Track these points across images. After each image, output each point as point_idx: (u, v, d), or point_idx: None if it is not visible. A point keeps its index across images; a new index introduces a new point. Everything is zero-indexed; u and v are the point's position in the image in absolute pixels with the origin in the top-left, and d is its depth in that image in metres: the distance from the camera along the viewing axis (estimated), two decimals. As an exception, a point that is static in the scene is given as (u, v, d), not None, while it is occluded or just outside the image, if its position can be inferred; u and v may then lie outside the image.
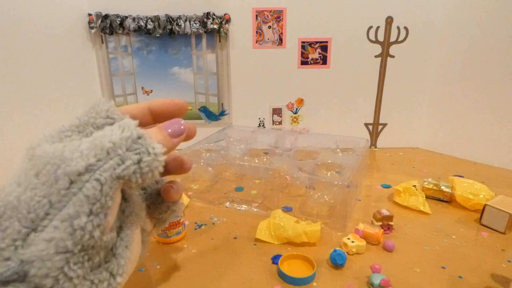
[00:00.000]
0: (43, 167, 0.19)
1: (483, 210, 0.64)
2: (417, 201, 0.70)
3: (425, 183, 0.76)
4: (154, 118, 0.26)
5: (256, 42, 1.08)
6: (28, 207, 0.18)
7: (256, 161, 0.86)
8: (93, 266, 0.19)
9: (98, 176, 0.19)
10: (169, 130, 0.23)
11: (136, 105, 0.26)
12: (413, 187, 0.73)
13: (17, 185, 0.19)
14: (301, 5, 1.05)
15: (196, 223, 0.65)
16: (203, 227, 0.64)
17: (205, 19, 1.04)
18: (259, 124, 1.17)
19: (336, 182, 0.66)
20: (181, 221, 0.59)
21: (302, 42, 1.08)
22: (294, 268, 0.50)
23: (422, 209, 0.68)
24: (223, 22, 1.05)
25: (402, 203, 0.71)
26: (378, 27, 1.06)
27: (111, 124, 0.23)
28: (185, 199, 0.72)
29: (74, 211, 0.18)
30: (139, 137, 0.20)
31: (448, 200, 0.74)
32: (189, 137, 0.24)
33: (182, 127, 0.24)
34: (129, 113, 0.24)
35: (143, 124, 0.25)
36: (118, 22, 1.03)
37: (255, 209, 0.71)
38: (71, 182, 0.18)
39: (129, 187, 0.20)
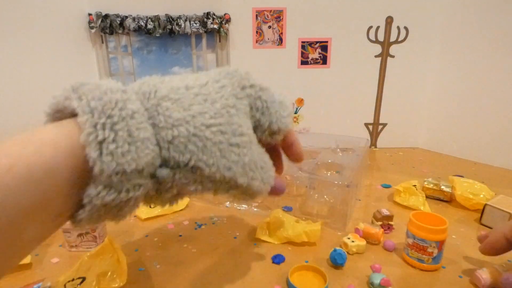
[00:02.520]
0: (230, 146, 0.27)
1: (483, 210, 0.64)
2: (417, 201, 0.70)
3: (425, 183, 0.76)
4: (287, 148, 0.37)
5: (256, 42, 1.08)
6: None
7: (256, 161, 0.85)
8: None
9: (228, 189, 0.29)
10: (276, 183, 0.33)
11: (294, 133, 0.37)
12: (413, 186, 0.73)
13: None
14: (301, 5, 1.05)
15: (196, 222, 0.65)
16: (203, 227, 0.64)
17: (205, 19, 1.04)
18: (259, 124, 1.17)
19: (336, 182, 0.66)
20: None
21: (302, 42, 1.08)
22: (304, 280, 0.48)
23: (422, 209, 0.68)
24: (223, 22, 1.05)
25: (402, 203, 0.71)
26: (378, 27, 1.06)
27: (273, 133, 0.33)
28: (185, 199, 0.72)
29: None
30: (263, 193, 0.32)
31: (448, 200, 0.74)
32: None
33: (281, 190, 0.35)
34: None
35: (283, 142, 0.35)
36: (118, 22, 1.03)
37: (255, 209, 0.71)
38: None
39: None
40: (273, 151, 0.37)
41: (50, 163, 0.19)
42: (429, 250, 0.49)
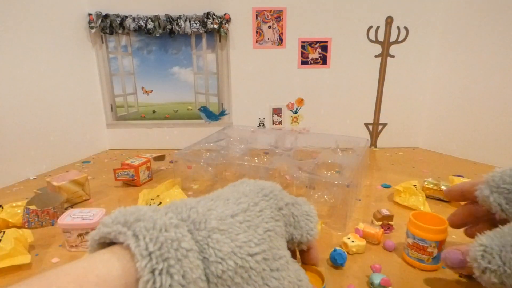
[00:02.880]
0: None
1: (483, 210, 0.64)
2: (417, 201, 0.70)
3: (425, 183, 0.76)
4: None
5: (256, 42, 1.08)
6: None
7: (256, 161, 0.86)
8: None
9: None
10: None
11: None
12: (413, 186, 0.73)
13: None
14: (301, 5, 1.05)
15: (196, 223, 0.65)
16: (203, 227, 0.64)
17: (205, 19, 1.04)
18: (259, 124, 1.17)
19: (336, 182, 0.66)
20: None
21: (302, 42, 1.08)
22: None
23: (422, 209, 0.68)
24: (223, 22, 1.05)
25: (402, 203, 0.71)
26: (378, 27, 1.06)
27: (301, 243, 0.37)
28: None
29: None
30: None
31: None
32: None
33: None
34: None
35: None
36: (118, 22, 1.03)
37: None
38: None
39: None
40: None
41: None
42: (429, 250, 0.49)
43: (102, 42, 1.08)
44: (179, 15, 1.04)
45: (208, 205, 0.28)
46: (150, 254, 0.21)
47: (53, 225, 0.63)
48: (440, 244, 0.49)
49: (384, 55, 1.09)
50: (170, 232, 0.23)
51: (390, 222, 0.61)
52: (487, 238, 0.37)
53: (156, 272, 0.21)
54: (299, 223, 0.34)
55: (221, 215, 0.27)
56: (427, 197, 0.74)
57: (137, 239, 0.22)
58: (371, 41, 1.08)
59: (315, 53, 1.09)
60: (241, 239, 0.26)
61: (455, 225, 0.50)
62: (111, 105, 1.15)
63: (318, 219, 0.38)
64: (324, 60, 1.10)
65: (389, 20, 1.06)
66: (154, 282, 0.21)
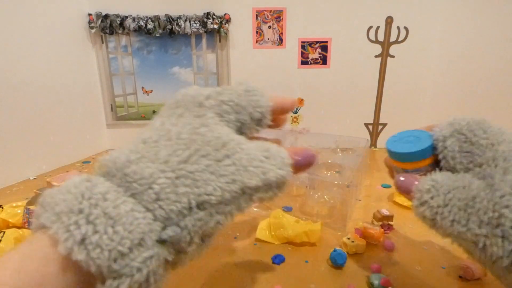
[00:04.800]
0: (222, 158, 0.24)
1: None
2: (417, 201, 0.70)
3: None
4: (280, 110, 0.34)
5: (256, 42, 1.08)
6: (205, 189, 0.23)
7: (256, 161, 0.85)
8: (201, 240, 0.26)
9: (253, 193, 0.25)
10: (299, 158, 0.29)
11: (275, 100, 0.33)
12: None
13: (193, 150, 0.24)
14: (301, 5, 1.05)
15: (196, 223, 0.65)
16: (203, 227, 0.64)
17: (205, 19, 1.04)
18: (259, 124, 1.17)
19: (336, 182, 0.66)
20: None
21: (302, 42, 1.08)
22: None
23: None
24: (223, 22, 1.05)
25: (402, 203, 0.71)
26: (378, 27, 1.06)
27: (260, 119, 0.30)
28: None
29: (228, 210, 0.24)
30: (287, 179, 0.27)
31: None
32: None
33: (311, 160, 0.30)
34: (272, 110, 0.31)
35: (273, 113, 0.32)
36: (118, 22, 1.03)
37: (255, 209, 0.71)
38: (240, 189, 0.24)
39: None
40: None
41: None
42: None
43: (102, 42, 1.08)
44: (179, 15, 1.04)
45: (119, 151, 0.25)
46: (59, 215, 0.19)
47: (53, 225, 0.63)
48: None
49: (384, 55, 1.09)
50: (80, 187, 0.20)
51: (390, 222, 0.61)
52: (442, 176, 0.34)
53: (72, 228, 0.18)
54: (239, 105, 0.29)
55: (131, 149, 0.24)
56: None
57: (45, 211, 0.20)
58: (371, 41, 1.08)
59: (315, 53, 1.09)
60: (162, 155, 0.23)
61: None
62: (111, 105, 1.15)
63: (262, 91, 0.32)
64: (324, 60, 1.10)
65: (389, 20, 1.06)
66: (74, 238, 0.18)
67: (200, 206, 0.23)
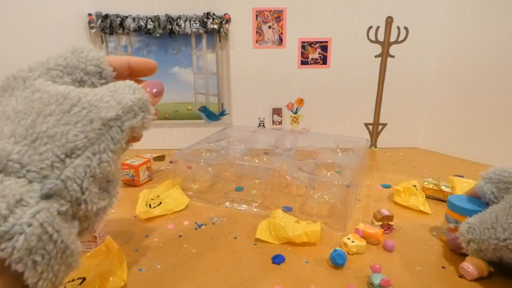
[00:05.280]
0: (70, 108, 0.24)
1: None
2: (417, 201, 0.70)
3: (425, 183, 0.76)
4: (130, 72, 0.32)
5: (256, 42, 1.08)
6: (66, 138, 0.23)
7: (256, 161, 0.86)
8: (100, 188, 0.26)
9: (120, 124, 0.25)
10: (154, 90, 0.30)
11: (116, 58, 0.31)
12: (413, 187, 0.73)
13: (36, 114, 0.23)
14: (301, 5, 1.05)
15: (196, 223, 0.65)
16: (203, 227, 0.64)
17: (205, 19, 1.04)
18: (259, 124, 1.17)
19: (336, 182, 0.66)
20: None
21: (302, 42, 1.08)
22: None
23: (422, 209, 0.68)
24: (223, 22, 1.05)
25: (402, 203, 0.71)
26: (378, 27, 1.06)
27: (99, 72, 0.29)
28: (185, 199, 0.72)
29: (103, 147, 0.24)
30: (145, 99, 0.27)
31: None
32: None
33: (162, 87, 0.32)
34: (112, 65, 0.29)
35: (119, 76, 0.30)
36: (118, 22, 1.03)
37: (255, 209, 0.71)
38: (102, 125, 0.24)
39: (132, 135, 0.27)
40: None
41: None
42: None
43: (102, 42, 1.08)
44: (179, 15, 1.04)
45: None
46: None
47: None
48: None
49: (384, 55, 1.09)
50: None
51: (390, 222, 0.61)
52: (472, 217, 0.49)
53: None
54: (69, 66, 0.28)
55: None
56: (427, 197, 0.74)
57: None
58: (371, 41, 1.08)
59: (315, 53, 1.09)
60: (7, 131, 0.23)
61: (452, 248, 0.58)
62: (111, 105, 1.15)
63: (91, 46, 0.30)
64: (324, 60, 1.10)
65: (389, 20, 1.06)
66: None
67: (72, 155, 0.23)
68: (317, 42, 1.08)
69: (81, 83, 0.28)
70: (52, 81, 0.27)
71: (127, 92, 0.27)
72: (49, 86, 0.26)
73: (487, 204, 0.53)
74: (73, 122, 0.24)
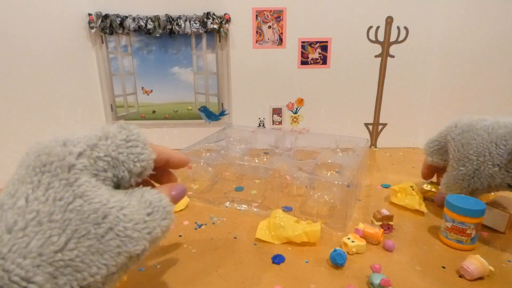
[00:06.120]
0: (105, 233, 0.24)
1: (483, 210, 0.65)
2: (413, 200, 0.70)
3: (424, 185, 0.76)
4: (166, 165, 0.34)
5: (256, 42, 1.08)
6: (89, 272, 0.23)
7: (256, 161, 0.86)
8: None
9: (141, 253, 0.27)
10: (173, 193, 0.31)
11: (159, 153, 0.31)
12: (410, 187, 0.73)
13: (70, 232, 0.23)
14: (301, 5, 1.05)
15: (196, 223, 0.65)
16: (203, 227, 0.64)
17: (205, 19, 1.04)
18: (259, 124, 1.17)
19: (336, 182, 0.66)
20: None
21: (302, 42, 1.08)
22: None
23: (418, 208, 0.68)
24: (223, 22, 1.05)
25: (399, 203, 0.71)
26: (378, 27, 1.06)
27: (142, 172, 0.29)
28: (185, 199, 0.72)
29: (116, 276, 0.26)
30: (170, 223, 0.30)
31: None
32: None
33: (185, 193, 0.33)
34: (154, 161, 0.30)
35: (154, 168, 0.31)
36: (118, 22, 1.03)
37: (255, 209, 0.71)
38: (127, 258, 0.26)
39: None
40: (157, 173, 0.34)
41: None
42: (468, 231, 0.53)
43: (102, 42, 1.08)
44: (179, 15, 1.04)
45: None
46: None
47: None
48: (478, 226, 0.53)
49: (384, 55, 1.09)
50: None
51: (390, 222, 0.61)
52: (445, 178, 0.65)
53: None
54: (117, 159, 0.27)
55: None
56: (426, 199, 0.74)
57: None
58: (371, 41, 1.08)
59: (315, 53, 1.09)
60: (35, 247, 0.20)
61: (427, 178, 0.76)
62: (111, 105, 1.15)
63: (145, 139, 0.30)
64: (324, 60, 1.10)
65: (389, 20, 1.06)
66: None
67: (86, 285, 0.23)
68: (317, 42, 1.08)
69: (121, 179, 0.28)
70: (96, 176, 0.26)
71: (159, 217, 0.27)
72: (92, 192, 0.24)
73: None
74: (102, 251, 0.23)
